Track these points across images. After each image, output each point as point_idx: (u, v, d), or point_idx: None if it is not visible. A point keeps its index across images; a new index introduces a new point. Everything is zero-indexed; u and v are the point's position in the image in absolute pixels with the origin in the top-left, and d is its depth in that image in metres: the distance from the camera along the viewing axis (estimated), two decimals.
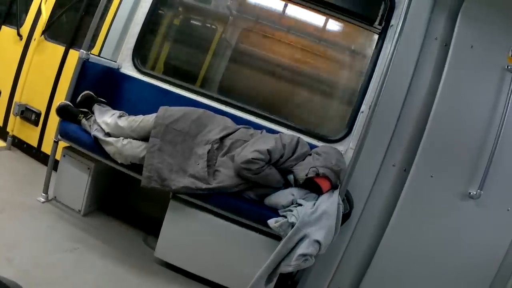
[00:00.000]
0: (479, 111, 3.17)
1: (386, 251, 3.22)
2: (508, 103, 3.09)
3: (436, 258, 3.23)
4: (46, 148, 4.18)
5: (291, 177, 3.11)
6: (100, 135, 3.19)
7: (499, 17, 3.16)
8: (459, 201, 3.16)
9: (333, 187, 3.02)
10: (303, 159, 3.14)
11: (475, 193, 3.10)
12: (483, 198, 3.11)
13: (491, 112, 3.15)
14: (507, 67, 3.13)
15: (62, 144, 3.48)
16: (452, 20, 3.26)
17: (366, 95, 3.57)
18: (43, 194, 3.52)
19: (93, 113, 3.43)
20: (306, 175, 2.95)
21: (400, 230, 3.20)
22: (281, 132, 3.50)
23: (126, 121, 3.25)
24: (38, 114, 4.26)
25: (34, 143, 4.32)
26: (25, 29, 4.38)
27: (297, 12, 4.06)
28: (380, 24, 3.65)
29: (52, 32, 4.28)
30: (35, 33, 4.29)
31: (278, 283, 3.03)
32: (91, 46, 3.80)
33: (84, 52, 3.36)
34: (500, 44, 3.16)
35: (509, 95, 3.10)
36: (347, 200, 3.10)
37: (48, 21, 4.21)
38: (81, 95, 3.46)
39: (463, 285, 3.26)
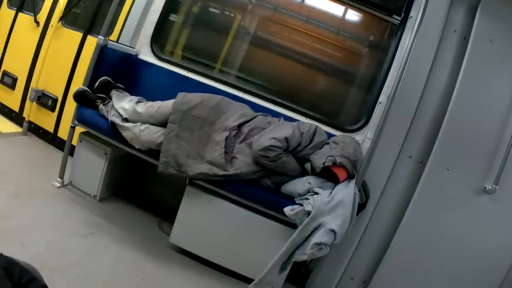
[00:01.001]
0: (497, 105, 3.15)
1: (400, 243, 3.21)
2: None
3: (449, 252, 3.22)
4: (63, 133, 4.22)
5: (308, 165, 3.10)
6: (117, 121, 3.20)
7: None
8: (474, 195, 3.14)
9: (350, 177, 3.01)
10: (321, 148, 3.13)
11: (490, 188, 3.08)
12: (498, 193, 3.09)
13: (509, 107, 3.13)
14: None
15: (78, 129, 3.50)
16: (471, 13, 3.24)
17: (385, 85, 3.55)
18: (58, 179, 3.54)
19: (110, 99, 3.44)
20: (323, 163, 2.94)
21: (414, 223, 3.18)
22: (299, 121, 3.49)
23: (144, 107, 3.25)
24: (54, 100, 4.29)
25: (50, 129, 4.36)
26: (42, 16, 4.40)
27: (317, 1, 4.06)
28: (399, 15, 3.63)
29: (69, 18, 4.30)
30: (52, 19, 4.30)
31: (292, 272, 3.04)
32: (109, 33, 3.84)
33: (102, 38, 3.36)
34: None
35: None
36: (363, 190, 3.10)
37: (65, 7, 4.23)
38: (98, 81, 3.46)
39: (475, 279, 3.24)
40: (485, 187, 3.11)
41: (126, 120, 3.24)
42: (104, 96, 3.47)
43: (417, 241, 3.22)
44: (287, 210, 2.87)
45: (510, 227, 3.17)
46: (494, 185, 3.07)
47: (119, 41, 3.88)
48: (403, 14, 3.61)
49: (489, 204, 3.14)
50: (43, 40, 4.36)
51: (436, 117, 3.21)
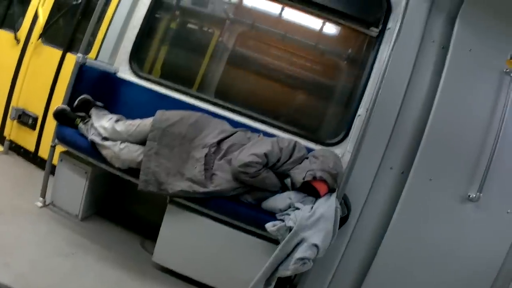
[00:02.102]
0: (478, 114, 3.19)
1: (386, 254, 3.23)
2: (507, 106, 3.11)
3: (436, 261, 3.24)
4: (44, 152, 4.17)
5: (288, 180, 3.10)
6: (97, 139, 3.18)
7: (497, 20, 3.17)
8: (459, 204, 3.17)
9: (331, 191, 3.01)
10: (300, 163, 3.13)
11: (474, 196, 3.11)
12: (482, 201, 3.12)
13: (490, 115, 3.17)
14: (506, 70, 3.14)
15: (60, 148, 3.48)
16: (449, 23, 3.28)
17: (363, 98, 3.55)
18: (40, 198, 3.51)
19: (90, 117, 3.42)
20: (303, 178, 2.94)
21: (399, 234, 3.20)
22: (278, 136, 3.49)
23: (123, 125, 3.24)
24: (35, 119, 4.25)
25: (31, 148, 4.32)
26: (22, 33, 4.36)
27: (293, 15, 4.05)
28: (377, 27, 3.63)
29: (49, 36, 4.27)
30: (32, 37, 4.27)
31: (276, 287, 3.02)
32: (88, 50, 3.82)
33: (81, 56, 3.37)
34: (498, 48, 3.18)
35: (508, 98, 3.11)
36: (345, 203, 3.10)
37: (45, 25, 4.20)
38: (78, 99, 3.44)
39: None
40: (469, 195, 3.14)
41: (105, 139, 3.21)
42: (83, 114, 3.46)
43: (403, 252, 3.24)
44: (269, 226, 2.86)
45: (496, 234, 3.20)
46: (478, 193, 3.11)
47: (98, 58, 3.86)
48: (381, 26, 3.62)
49: (474, 212, 3.17)
50: (23, 57, 4.32)
51: (416, 127, 3.24)
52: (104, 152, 3.14)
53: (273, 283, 2.91)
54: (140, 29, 3.93)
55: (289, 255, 2.77)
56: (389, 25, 3.57)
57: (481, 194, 3.10)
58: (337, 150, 3.54)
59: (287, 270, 2.74)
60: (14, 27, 4.41)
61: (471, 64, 3.19)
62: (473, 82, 3.20)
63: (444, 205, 3.19)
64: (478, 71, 3.20)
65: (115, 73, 3.87)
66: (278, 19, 4.17)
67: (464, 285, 3.26)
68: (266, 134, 3.54)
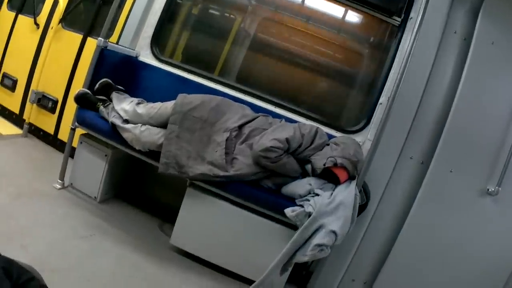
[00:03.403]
0: (499, 107, 3.16)
1: (403, 244, 3.21)
2: None
3: (452, 254, 3.22)
4: (63, 135, 4.23)
5: (308, 166, 3.09)
6: (118, 122, 3.20)
7: None
8: (477, 197, 3.15)
9: (351, 178, 3.00)
10: (321, 149, 3.13)
11: (493, 189, 3.09)
12: (501, 195, 3.10)
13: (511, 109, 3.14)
14: None
15: (79, 131, 3.51)
16: (471, 15, 3.26)
17: (385, 86, 3.56)
18: (59, 181, 3.54)
19: (111, 100, 3.44)
20: (324, 164, 2.94)
21: (418, 224, 3.19)
22: (300, 122, 3.49)
23: (145, 108, 3.26)
24: (55, 102, 4.29)
25: (51, 131, 4.36)
26: (42, 18, 4.41)
27: (316, 2, 4.06)
28: (399, 16, 3.64)
29: (69, 20, 4.31)
30: (52, 21, 4.31)
31: (293, 273, 3.04)
32: (109, 34, 3.84)
33: (102, 40, 3.37)
34: None
35: None
36: (364, 191, 3.09)
37: (65, 9, 4.24)
38: (99, 83, 3.46)
39: (478, 282, 3.25)
40: (488, 189, 3.11)
41: (126, 121, 3.24)
42: (104, 98, 3.47)
43: (420, 243, 3.23)
44: (288, 211, 2.87)
45: None
46: (497, 187, 3.08)
47: (119, 43, 3.89)
48: (403, 15, 3.63)
49: (492, 206, 3.14)
50: (43, 42, 4.37)
51: (437, 118, 3.22)
52: (125, 135, 3.16)
53: (290, 269, 2.90)
54: (161, 14, 3.96)
55: (307, 241, 2.76)
56: (412, 14, 3.57)
57: (500, 188, 3.08)
58: (358, 137, 3.55)
59: (304, 256, 2.73)
60: (33, 12, 4.43)
61: (493, 57, 3.16)
62: (495, 75, 3.17)
63: (463, 197, 3.17)
64: (500, 64, 3.17)
65: (136, 57, 3.90)
66: (301, 5, 4.17)
67: (479, 279, 3.23)
68: (288, 120, 3.54)
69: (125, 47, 3.83)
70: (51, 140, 4.37)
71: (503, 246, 3.19)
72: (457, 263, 3.22)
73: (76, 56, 4.18)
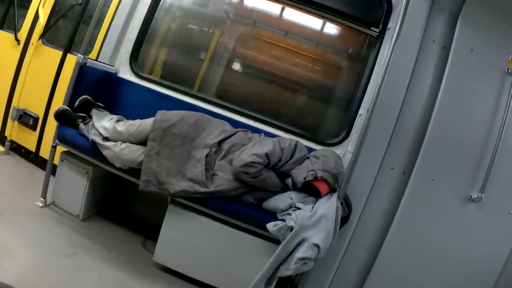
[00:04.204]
0: (479, 114, 3.19)
1: (388, 254, 3.23)
2: (509, 106, 3.11)
3: (438, 262, 3.24)
4: (44, 152, 4.19)
5: (289, 180, 3.09)
6: (98, 140, 3.19)
7: (499, 20, 3.18)
8: (461, 204, 3.17)
9: (332, 191, 3.01)
10: (301, 163, 3.13)
11: (476, 196, 3.11)
12: (484, 201, 3.12)
13: (492, 115, 3.17)
14: (508, 70, 3.15)
15: (60, 148, 3.48)
16: (450, 23, 3.28)
17: (364, 98, 3.58)
18: (41, 198, 3.52)
19: (91, 117, 3.43)
20: (305, 178, 2.94)
21: (401, 234, 3.20)
22: (280, 136, 3.50)
23: (124, 126, 3.25)
24: (36, 119, 4.26)
25: (32, 148, 4.33)
26: (22, 34, 4.37)
27: (294, 15, 4.06)
28: (377, 27, 3.66)
29: (49, 36, 4.29)
30: (32, 37, 4.28)
31: (277, 287, 3.01)
32: (88, 51, 3.82)
33: (82, 56, 3.36)
34: (500, 48, 3.18)
35: (510, 98, 3.12)
36: (346, 203, 3.10)
37: (45, 25, 4.22)
38: (79, 100, 3.45)
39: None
40: (471, 196, 3.14)
41: (106, 139, 3.22)
42: (84, 115, 3.46)
43: (404, 252, 3.24)
44: (270, 226, 2.86)
45: (497, 235, 3.20)
46: (480, 193, 3.11)
47: (98, 59, 3.88)
48: (381, 26, 3.65)
49: (476, 213, 3.16)
50: (23, 58, 4.33)
51: (417, 127, 3.24)
52: (105, 152, 3.15)
53: (274, 283, 2.89)
54: (140, 30, 3.96)
55: (290, 255, 2.76)
56: (390, 25, 3.60)
57: (483, 195, 3.10)
58: (338, 150, 3.57)
59: (288, 270, 2.73)
60: (14, 27, 4.41)
61: (472, 64, 3.19)
62: (475, 82, 3.19)
63: (446, 205, 3.19)
64: (480, 71, 3.20)
65: (116, 73, 3.89)
66: (279, 19, 4.17)
67: (465, 285, 3.25)
68: (267, 134, 3.55)
69: (105, 63, 3.82)
70: (33, 157, 4.33)
71: (488, 252, 3.21)
72: (442, 271, 3.23)
73: (56, 72, 4.16)
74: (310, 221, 2.76)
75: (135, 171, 3.09)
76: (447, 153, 3.17)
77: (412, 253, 3.24)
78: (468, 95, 3.19)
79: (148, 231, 3.63)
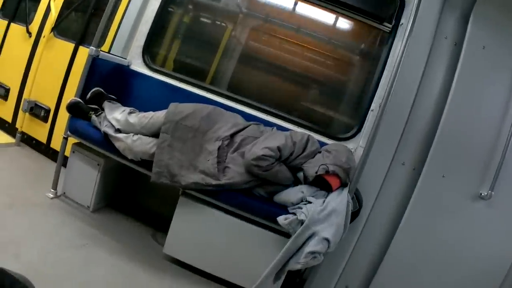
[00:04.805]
0: (491, 111, 3.17)
1: (397, 250, 3.22)
2: None
3: (446, 259, 3.23)
4: (55, 144, 4.22)
5: (300, 174, 3.09)
6: (110, 131, 3.20)
7: (511, 19, 3.16)
8: (470, 201, 3.16)
9: (343, 185, 3.01)
10: (313, 157, 3.13)
11: (486, 194, 3.10)
12: (494, 199, 3.11)
13: (503, 113, 3.16)
14: None
15: (71, 140, 3.50)
16: (462, 19, 3.27)
17: (376, 93, 3.58)
18: (52, 190, 3.53)
19: (103, 109, 3.44)
20: (316, 172, 2.94)
21: (411, 230, 3.19)
22: (292, 130, 3.51)
23: (137, 118, 3.26)
24: (47, 111, 4.29)
25: (43, 139, 4.36)
26: (34, 26, 4.41)
27: (307, 10, 4.05)
28: (390, 22, 3.66)
29: (61, 29, 4.31)
30: (44, 30, 4.31)
31: (286, 281, 3.03)
32: (101, 43, 3.84)
33: (94, 49, 3.38)
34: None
35: None
36: (356, 198, 3.09)
37: (57, 18, 4.24)
38: (91, 92, 3.46)
39: (472, 285, 3.25)
40: (481, 193, 3.13)
41: (118, 131, 3.23)
42: (96, 107, 3.47)
43: (413, 249, 3.23)
44: (281, 219, 2.86)
45: (506, 233, 3.18)
46: (489, 191, 3.09)
47: (110, 52, 3.89)
48: (394, 21, 3.64)
49: (485, 210, 3.15)
50: (35, 50, 4.37)
51: (429, 124, 3.23)
52: (117, 144, 3.16)
53: (283, 277, 2.89)
54: (153, 23, 3.98)
55: (300, 248, 2.76)
56: (402, 20, 3.59)
57: (493, 193, 3.09)
58: (350, 144, 3.57)
59: (297, 264, 2.73)
60: (26, 20, 4.44)
61: (484, 62, 3.17)
62: (486, 80, 3.18)
63: (456, 202, 3.18)
64: (492, 68, 3.18)
65: (128, 66, 3.91)
66: (292, 13, 4.17)
67: (473, 283, 3.24)
68: (279, 128, 3.56)
69: (117, 56, 3.84)
70: (44, 149, 4.36)
71: (497, 250, 3.20)
72: (451, 267, 3.23)
73: (68, 64, 4.18)
74: (320, 215, 2.76)
75: (146, 163, 3.10)
76: (458, 150, 3.16)
77: (421, 249, 3.23)
78: (479, 92, 3.17)
79: (158, 223, 3.65)
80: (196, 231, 3.14)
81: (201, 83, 3.93)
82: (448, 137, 3.15)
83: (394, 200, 3.26)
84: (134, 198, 4.01)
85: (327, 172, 2.92)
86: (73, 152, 3.49)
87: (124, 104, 3.63)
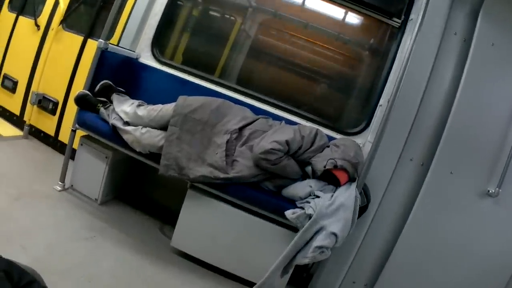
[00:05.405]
0: (499, 108, 3.15)
1: (404, 246, 3.21)
2: None
3: (453, 255, 3.22)
4: (63, 137, 4.23)
5: (309, 168, 3.09)
6: (118, 124, 3.20)
7: None
8: (478, 198, 3.15)
9: (351, 180, 3.01)
10: (322, 151, 3.12)
11: (493, 191, 3.08)
12: (501, 197, 3.09)
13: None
14: None
15: (80, 133, 3.50)
16: (471, 16, 3.25)
17: (385, 88, 3.56)
18: (59, 182, 3.54)
19: (111, 102, 3.45)
20: (324, 166, 2.94)
21: (418, 226, 3.18)
22: (300, 124, 3.50)
23: (145, 110, 3.26)
24: (55, 103, 4.29)
25: (51, 132, 4.36)
26: (42, 19, 4.42)
27: (316, 4, 4.06)
28: (399, 17, 3.64)
29: (70, 22, 4.31)
30: (52, 23, 4.32)
31: (293, 275, 3.04)
32: (109, 36, 3.83)
33: (103, 41, 3.38)
34: None
35: None
36: (364, 193, 3.09)
37: (66, 11, 4.23)
38: (99, 84, 3.47)
39: (479, 283, 3.25)
40: (488, 190, 3.11)
41: (127, 123, 3.24)
42: (105, 99, 3.48)
43: (420, 245, 3.23)
44: (288, 213, 2.87)
45: None
46: (497, 188, 3.08)
47: (119, 45, 3.89)
48: (403, 16, 3.63)
49: (493, 208, 3.14)
50: (43, 43, 4.38)
51: (437, 120, 3.21)
52: (125, 137, 3.16)
53: (291, 271, 2.91)
54: (162, 15, 3.97)
55: (307, 243, 2.76)
56: (412, 16, 3.57)
57: (500, 190, 3.07)
58: (358, 139, 3.56)
59: (305, 258, 2.73)
60: (34, 13, 4.44)
61: (493, 58, 3.15)
62: (495, 76, 3.16)
63: (464, 199, 3.16)
64: (500, 65, 3.16)
65: (137, 59, 3.91)
66: (301, 8, 4.17)
67: (480, 280, 3.23)
68: (288, 122, 3.55)
69: (126, 48, 3.84)
70: (52, 141, 4.37)
71: (504, 247, 3.19)
72: (458, 265, 3.22)
73: (77, 57, 4.18)
74: (328, 210, 2.76)
75: (155, 155, 3.11)
76: (466, 147, 3.14)
77: (428, 245, 3.22)
78: (488, 89, 3.16)
79: (166, 216, 3.66)
80: (203, 224, 3.14)
81: (210, 76, 3.92)
82: (457, 133, 3.13)
83: (402, 196, 3.24)
84: (142, 191, 4.02)
85: (335, 166, 2.92)
86: (81, 144, 3.49)
87: (133, 97, 3.62)
